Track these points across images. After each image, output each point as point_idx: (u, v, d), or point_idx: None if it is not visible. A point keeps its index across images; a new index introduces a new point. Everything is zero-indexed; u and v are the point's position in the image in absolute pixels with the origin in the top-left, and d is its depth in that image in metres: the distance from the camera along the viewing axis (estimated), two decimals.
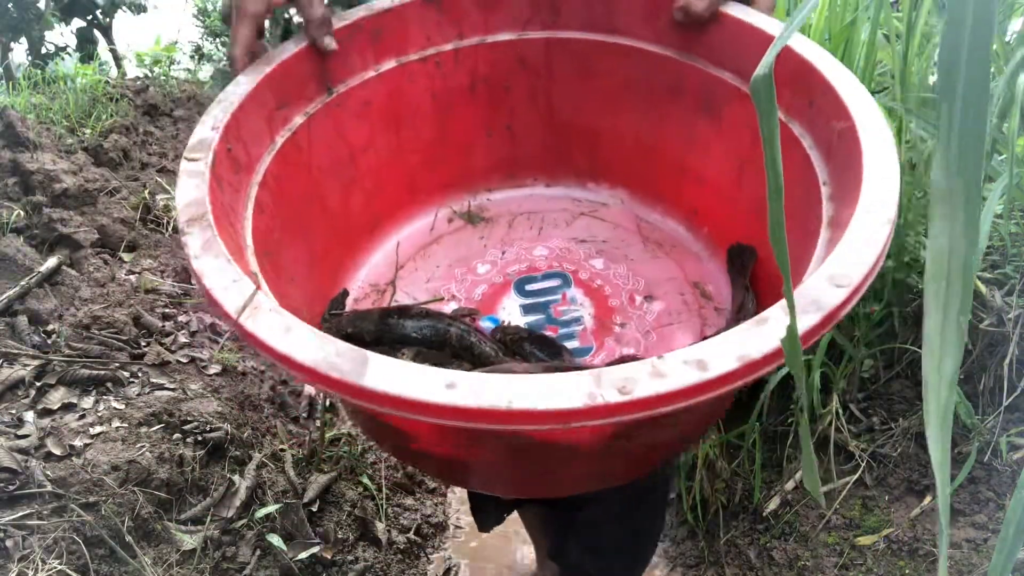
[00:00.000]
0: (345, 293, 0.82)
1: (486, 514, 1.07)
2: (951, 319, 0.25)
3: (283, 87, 0.75)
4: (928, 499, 1.07)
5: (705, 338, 0.47)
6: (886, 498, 1.11)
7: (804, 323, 0.44)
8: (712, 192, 0.82)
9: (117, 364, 1.36)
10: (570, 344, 0.76)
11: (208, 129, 0.66)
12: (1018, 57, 0.92)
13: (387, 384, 0.43)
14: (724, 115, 0.76)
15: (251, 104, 0.71)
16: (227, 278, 0.50)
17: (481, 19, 0.84)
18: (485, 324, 0.78)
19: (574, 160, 0.93)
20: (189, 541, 1.12)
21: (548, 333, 0.76)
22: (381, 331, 0.73)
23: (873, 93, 1.31)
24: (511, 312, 0.80)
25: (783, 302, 0.44)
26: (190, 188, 0.59)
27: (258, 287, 0.50)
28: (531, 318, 0.79)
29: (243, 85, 0.71)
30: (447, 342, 0.71)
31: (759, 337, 0.44)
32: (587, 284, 0.82)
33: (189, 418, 1.29)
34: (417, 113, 0.86)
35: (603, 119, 0.88)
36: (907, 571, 0.99)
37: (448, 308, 0.81)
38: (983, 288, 1.11)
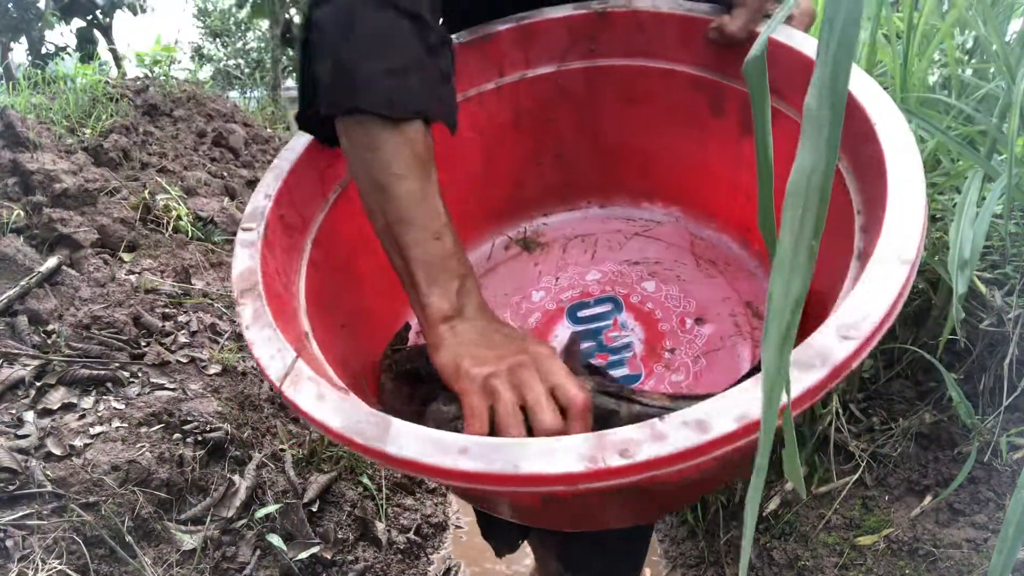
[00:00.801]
0: (407, 327, 0.83)
1: (500, 541, 1.07)
2: (804, 239, 0.26)
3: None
4: (928, 499, 1.07)
5: (756, 365, 0.47)
6: (886, 498, 1.11)
7: (809, 379, 0.42)
8: None
9: (117, 364, 1.36)
10: (619, 371, 0.76)
11: (261, 198, 0.69)
12: None
13: (406, 450, 0.46)
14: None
15: (303, 167, 0.73)
16: (272, 348, 0.55)
17: (521, 56, 0.84)
18: None
19: (626, 181, 0.92)
20: (189, 541, 1.12)
21: (598, 361, 0.76)
22: (433, 368, 0.74)
23: None
24: (563, 340, 0.80)
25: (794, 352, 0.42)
26: (244, 258, 0.63)
27: (299, 354, 0.54)
28: (582, 346, 0.79)
29: (294, 150, 0.73)
30: None
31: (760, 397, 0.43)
32: (638, 308, 0.82)
33: (189, 418, 1.29)
34: (465, 150, 0.87)
35: (650, 141, 0.87)
36: (907, 571, 0.99)
37: None
38: (983, 288, 1.11)
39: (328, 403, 0.50)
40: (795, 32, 0.69)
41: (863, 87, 0.61)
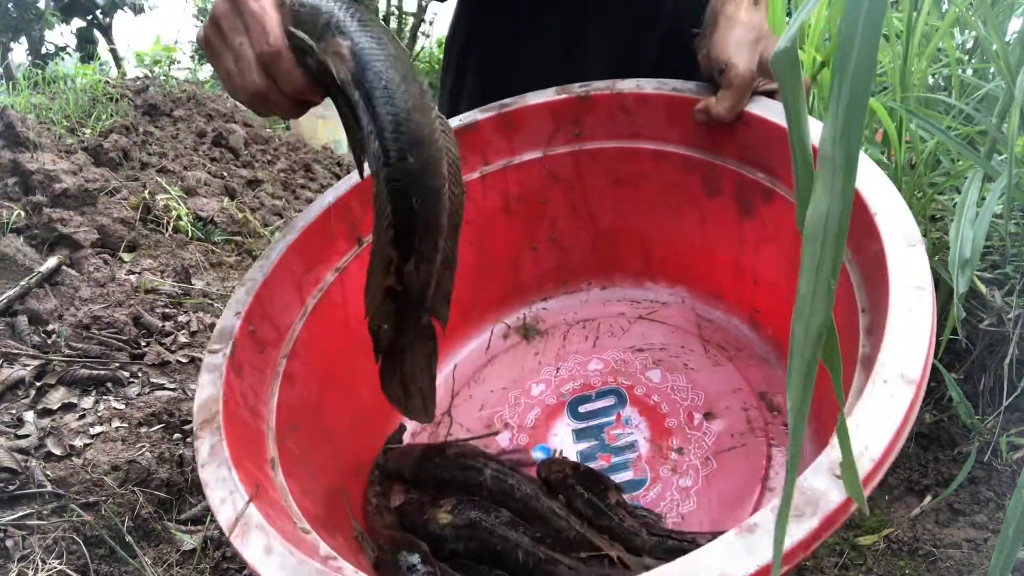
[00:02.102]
0: (402, 428, 0.81)
1: None
2: (823, 280, 0.26)
3: (311, 249, 0.74)
4: (928, 499, 1.07)
5: (767, 466, 0.44)
6: (886, 498, 1.11)
7: (798, 531, 0.37)
8: (771, 291, 0.75)
9: (117, 364, 1.36)
10: (623, 475, 0.71)
11: (231, 315, 0.67)
12: None
13: None
14: (762, 215, 0.71)
15: (278, 276, 0.71)
16: (224, 490, 0.53)
17: (505, 144, 0.82)
18: (537, 455, 0.75)
19: (627, 262, 0.88)
20: (189, 541, 1.12)
21: (601, 463, 0.72)
22: (418, 473, 0.72)
23: (873, 93, 1.31)
24: (563, 439, 0.75)
25: (775, 503, 0.37)
26: (207, 385, 0.61)
27: (254, 497, 0.53)
28: (583, 445, 0.74)
29: (269, 259, 0.71)
30: (482, 487, 0.68)
31: (744, 553, 0.37)
32: (643, 401, 0.76)
33: (189, 418, 1.29)
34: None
35: (647, 222, 0.83)
36: (907, 571, 0.99)
37: (502, 438, 0.78)
38: (983, 288, 1.11)
39: (275, 557, 0.48)
40: (782, 108, 0.67)
41: (866, 173, 0.56)
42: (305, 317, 0.73)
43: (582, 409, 0.78)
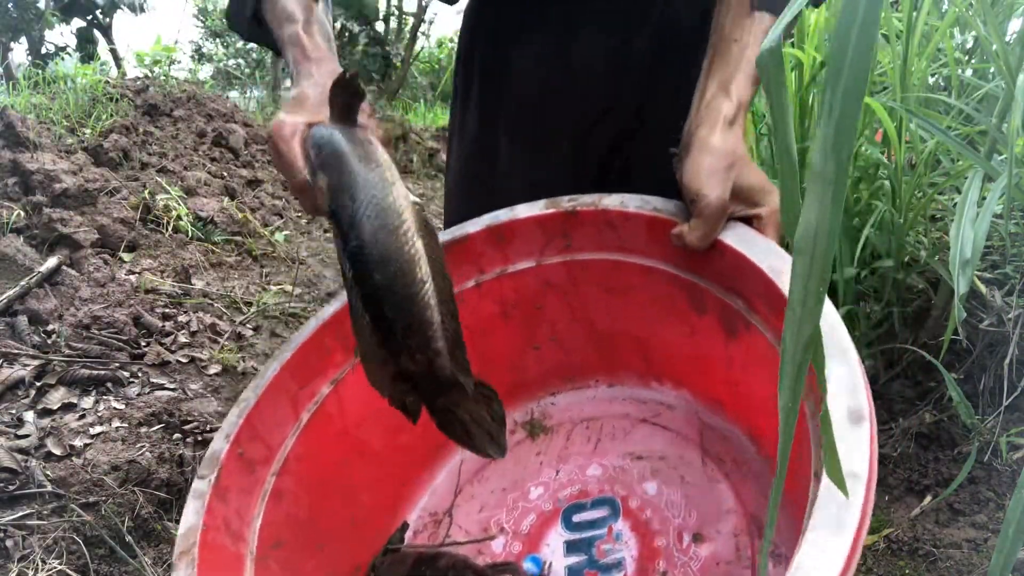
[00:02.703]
0: (404, 527, 0.82)
1: None
2: (812, 289, 0.27)
3: (306, 366, 0.75)
4: (928, 499, 1.07)
5: None
6: (886, 498, 1.11)
7: None
8: (766, 410, 0.72)
9: (117, 364, 1.36)
10: None
11: (221, 440, 0.69)
12: None
13: None
14: (746, 340, 0.70)
15: (271, 395, 0.72)
16: None
17: (499, 254, 0.83)
18: (528, 566, 0.76)
19: (629, 363, 0.88)
20: None
21: None
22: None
23: (873, 93, 1.32)
24: (555, 550, 0.76)
25: None
26: (190, 515, 0.64)
27: None
28: (573, 559, 0.75)
29: (264, 378, 0.73)
30: None
31: None
32: (635, 515, 0.77)
33: (189, 418, 1.29)
34: None
35: (642, 329, 0.83)
36: (907, 571, 0.99)
37: (497, 544, 0.80)
38: (983, 288, 1.11)
39: None
40: (758, 240, 0.64)
41: (826, 326, 0.52)
42: (299, 431, 0.75)
43: (576, 519, 0.79)
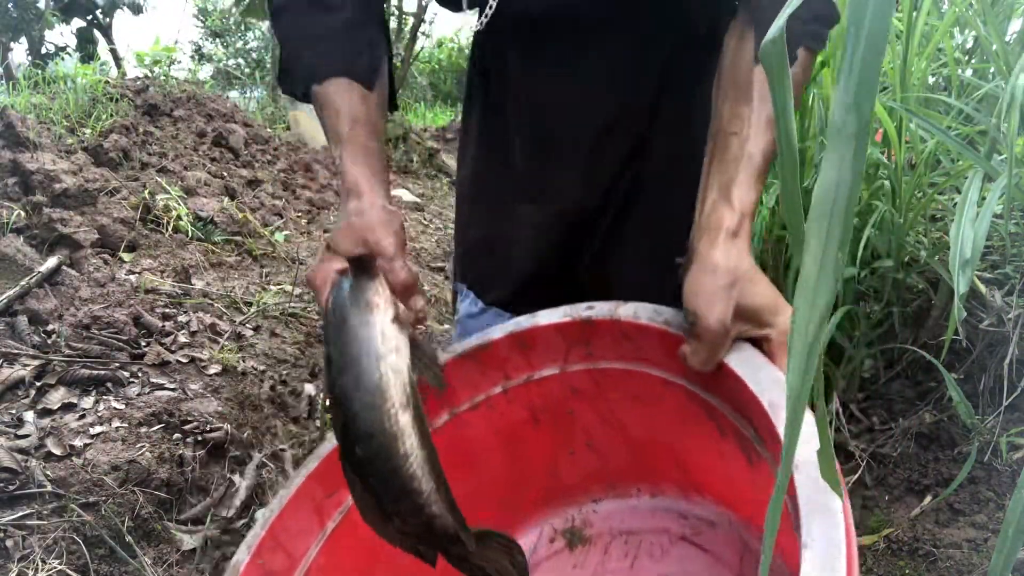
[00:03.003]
0: None
1: None
2: (830, 253, 0.25)
3: (332, 474, 0.74)
4: (928, 499, 1.07)
5: None
6: (886, 498, 1.11)
7: None
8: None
9: (117, 364, 1.36)
10: None
11: (244, 550, 0.69)
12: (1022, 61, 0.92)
13: None
14: (762, 468, 0.65)
15: (295, 505, 0.72)
16: None
17: (523, 360, 0.82)
18: None
19: (668, 472, 0.84)
20: (189, 541, 1.12)
21: None
22: None
23: None
24: None
25: None
26: None
27: None
28: None
29: (288, 489, 0.72)
30: None
31: None
32: None
33: (189, 418, 1.29)
34: (487, 451, 0.85)
35: (675, 439, 0.79)
36: (907, 571, 0.99)
37: None
38: (983, 288, 1.11)
39: None
40: (762, 368, 0.59)
41: (806, 454, 0.49)
42: (323, 541, 0.75)
43: None
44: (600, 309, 0.76)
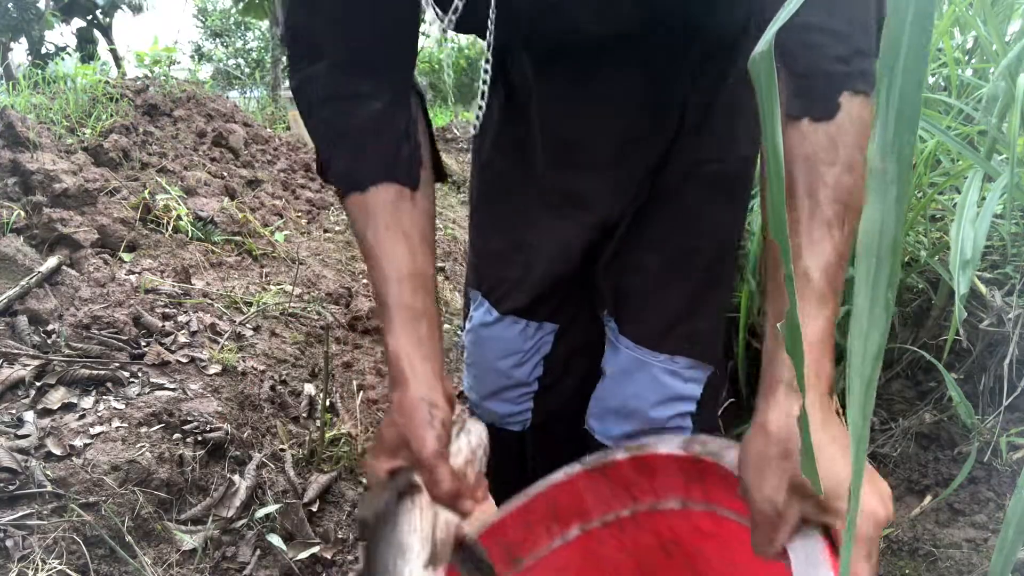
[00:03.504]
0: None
1: None
2: (880, 294, 0.26)
3: None
4: (928, 499, 1.07)
5: None
6: None
7: None
8: None
9: (117, 364, 1.36)
10: None
11: None
12: (1012, 55, 0.92)
13: None
14: None
15: None
16: None
17: (648, 484, 0.80)
18: None
19: None
20: (189, 541, 1.12)
21: None
22: None
23: None
24: None
25: None
26: None
27: None
28: None
29: None
30: None
31: None
32: None
33: (189, 418, 1.29)
34: (619, 571, 0.84)
35: None
36: (907, 571, 0.99)
37: None
38: (983, 288, 1.11)
39: None
40: (819, 568, 0.50)
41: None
42: None
43: None
44: (711, 447, 0.72)
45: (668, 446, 0.77)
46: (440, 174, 0.77)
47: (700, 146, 0.83)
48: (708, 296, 0.89)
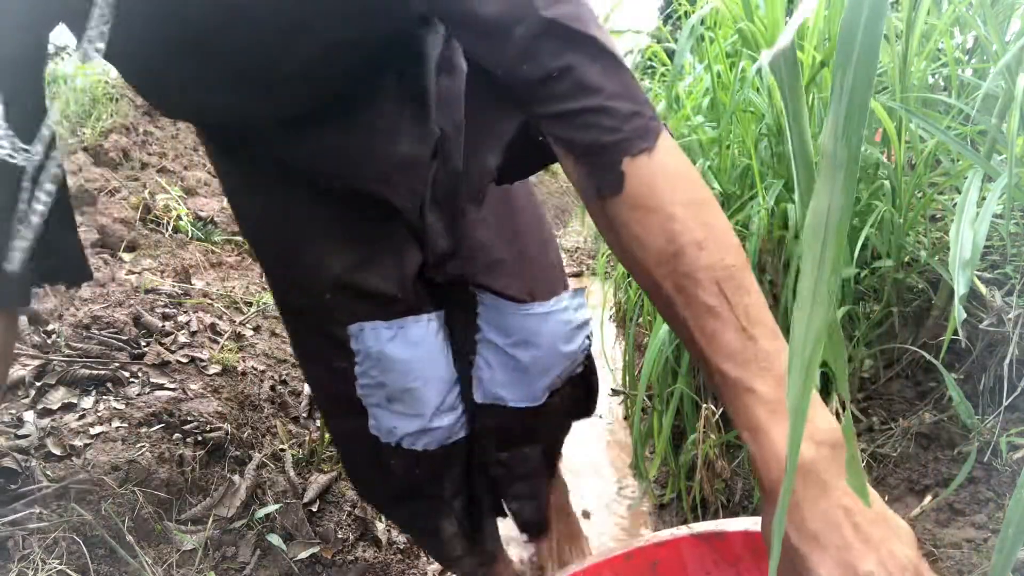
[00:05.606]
0: None
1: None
2: (824, 276, 0.26)
3: None
4: (928, 499, 1.07)
5: None
6: (886, 498, 1.11)
7: None
8: None
9: (117, 364, 1.36)
10: None
11: None
12: (1011, 52, 0.92)
13: None
14: None
15: None
16: None
17: (755, 566, 0.77)
18: None
19: None
20: (189, 541, 1.12)
21: None
22: None
23: (872, 93, 1.31)
24: None
25: None
26: None
27: None
28: None
29: None
30: None
31: None
32: None
33: (189, 418, 1.29)
34: None
35: None
36: None
37: None
38: (983, 288, 1.11)
39: None
40: None
41: None
42: None
43: None
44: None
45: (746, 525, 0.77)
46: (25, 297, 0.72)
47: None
48: (545, 230, 0.98)
